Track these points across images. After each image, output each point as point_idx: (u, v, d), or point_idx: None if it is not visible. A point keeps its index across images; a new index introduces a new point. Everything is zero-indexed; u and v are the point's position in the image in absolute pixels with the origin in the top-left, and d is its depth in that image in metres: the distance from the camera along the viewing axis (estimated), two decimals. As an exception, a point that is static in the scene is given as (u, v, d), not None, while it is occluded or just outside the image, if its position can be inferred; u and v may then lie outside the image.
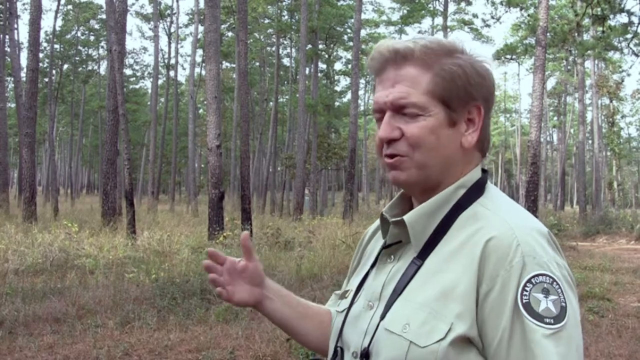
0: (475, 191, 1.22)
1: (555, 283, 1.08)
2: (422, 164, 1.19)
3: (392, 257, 1.26)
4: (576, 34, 26.58)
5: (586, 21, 24.94)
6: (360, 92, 55.07)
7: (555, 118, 58.22)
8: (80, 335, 6.26)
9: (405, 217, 1.21)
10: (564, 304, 1.07)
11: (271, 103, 44.98)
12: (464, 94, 1.19)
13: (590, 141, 44.70)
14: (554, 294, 1.07)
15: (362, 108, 55.90)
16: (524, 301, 1.06)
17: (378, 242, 1.36)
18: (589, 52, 28.45)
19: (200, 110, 52.76)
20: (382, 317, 1.17)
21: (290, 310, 1.47)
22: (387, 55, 1.21)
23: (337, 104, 50.00)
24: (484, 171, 1.26)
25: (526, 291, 1.06)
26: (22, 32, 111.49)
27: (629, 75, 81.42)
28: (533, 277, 1.07)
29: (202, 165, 60.87)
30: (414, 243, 1.21)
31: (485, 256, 1.10)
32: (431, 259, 1.17)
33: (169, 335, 6.33)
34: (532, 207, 16.64)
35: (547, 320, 1.05)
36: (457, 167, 1.22)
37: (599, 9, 23.29)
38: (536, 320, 1.05)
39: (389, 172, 1.23)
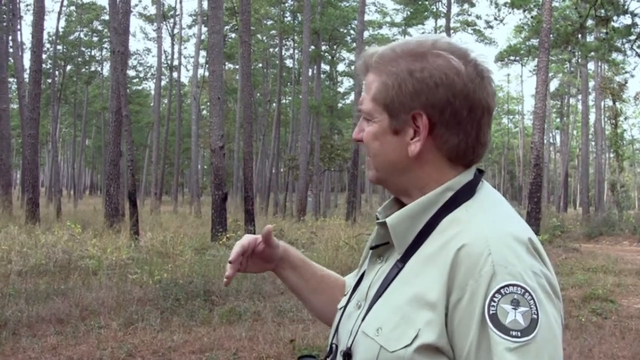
0: (464, 194, 1.18)
1: (527, 294, 1.03)
2: (375, 166, 1.24)
3: (381, 258, 1.25)
4: (579, 36, 26.54)
5: (590, 22, 24.91)
6: (363, 94, 55.11)
7: (558, 120, 58.16)
8: (84, 336, 6.27)
9: (388, 219, 1.20)
10: (535, 316, 1.02)
11: (274, 104, 45.03)
12: (398, 102, 1.18)
13: (593, 143, 44.70)
14: (525, 305, 1.02)
15: (364, 109, 55.93)
16: (491, 312, 1.02)
17: None
18: (592, 53, 28.43)
19: (204, 112, 52.73)
20: (363, 319, 1.17)
21: (302, 283, 1.56)
22: (358, 65, 1.27)
23: (340, 105, 50.11)
24: (480, 172, 1.23)
25: (494, 302, 1.02)
26: (25, 33, 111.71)
27: (632, 76, 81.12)
28: (502, 287, 1.03)
29: (205, 167, 60.95)
30: (396, 245, 1.19)
31: (455, 264, 1.07)
32: (411, 262, 1.15)
33: (173, 336, 6.33)
34: (536, 208, 16.63)
35: (514, 333, 1.01)
36: (417, 174, 1.20)
37: (602, 11, 23.29)
38: (501, 332, 1.01)
39: None
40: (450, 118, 1.16)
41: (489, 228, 1.10)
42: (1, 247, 10.73)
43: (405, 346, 1.06)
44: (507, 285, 1.03)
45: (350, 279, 1.52)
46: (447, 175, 1.19)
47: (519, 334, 1.01)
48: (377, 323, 1.12)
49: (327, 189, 49.45)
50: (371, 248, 1.27)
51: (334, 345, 1.28)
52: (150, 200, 40.58)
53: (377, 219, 1.28)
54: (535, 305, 1.03)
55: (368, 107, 1.22)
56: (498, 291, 1.02)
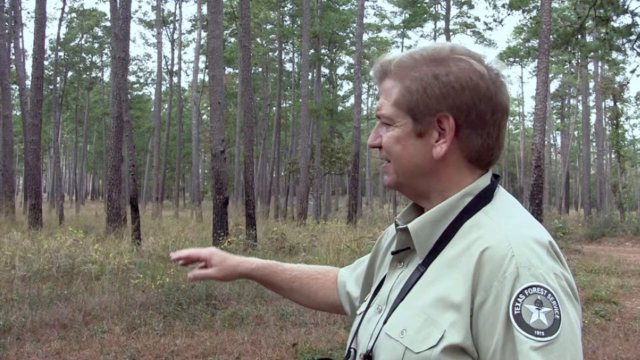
0: (482, 198, 1.22)
1: (549, 295, 1.07)
2: (396, 171, 1.26)
3: (402, 263, 1.28)
4: (579, 36, 26.54)
5: (589, 23, 24.91)
6: (363, 97, 55.19)
7: (559, 121, 58.14)
8: (87, 341, 6.28)
9: (410, 225, 1.23)
10: (557, 316, 1.06)
11: (274, 108, 45.05)
12: (423, 106, 1.20)
13: (594, 144, 44.65)
14: (548, 306, 1.06)
15: (365, 112, 56.05)
16: (515, 313, 1.05)
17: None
18: (592, 54, 28.42)
19: (204, 116, 52.87)
20: (385, 321, 1.20)
21: (275, 287, 1.75)
22: (375, 70, 1.30)
23: (340, 108, 50.12)
24: (496, 177, 1.27)
25: (518, 303, 1.06)
26: (27, 41, 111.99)
27: (638, 75, 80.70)
28: (526, 288, 1.06)
29: (206, 171, 60.98)
30: (418, 250, 1.22)
31: (480, 267, 1.10)
32: (433, 266, 1.19)
33: (175, 340, 6.35)
34: (537, 210, 16.61)
35: (538, 333, 1.04)
36: (440, 177, 1.23)
37: (602, 10, 23.29)
38: (526, 332, 1.04)
39: None
40: (475, 120, 1.20)
41: (511, 231, 1.14)
42: (5, 253, 10.77)
43: (431, 347, 1.09)
44: (531, 287, 1.06)
45: (349, 277, 1.64)
46: (466, 179, 1.23)
47: (543, 333, 1.04)
48: (401, 325, 1.15)
49: (328, 193, 49.45)
50: (392, 253, 1.30)
51: (352, 350, 1.30)
52: (151, 205, 40.61)
53: (397, 225, 1.32)
54: (558, 306, 1.07)
55: (389, 112, 1.24)
56: (522, 292, 1.06)
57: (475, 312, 1.09)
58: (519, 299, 1.06)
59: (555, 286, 1.08)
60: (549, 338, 1.04)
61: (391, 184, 1.29)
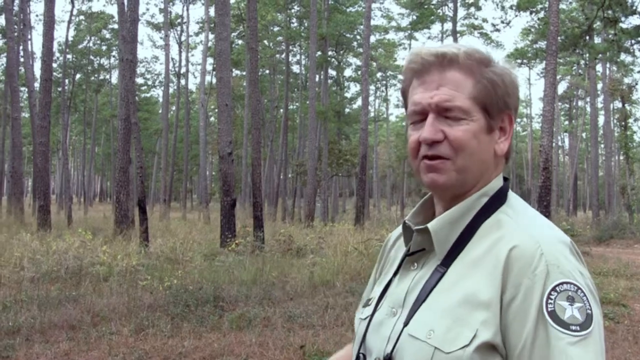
0: (498, 199, 1.24)
1: (580, 291, 1.10)
2: (463, 168, 1.20)
3: (416, 264, 1.27)
4: (587, 38, 26.46)
5: (597, 24, 24.84)
6: (370, 99, 55.12)
7: (567, 122, 57.95)
8: (95, 342, 6.30)
9: (430, 225, 1.23)
10: (589, 312, 1.09)
11: (281, 110, 45.08)
12: (502, 102, 1.23)
13: (602, 145, 44.46)
14: (579, 301, 1.09)
15: (372, 114, 56.01)
16: (549, 309, 1.07)
17: (400, 249, 1.38)
18: (600, 55, 28.32)
19: (212, 118, 52.93)
20: (406, 323, 1.19)
21: None
22: (431, 59, 1.22)
23: (347, 110, 50.06)
24: (505, 179, 1.28)
25: (551, 299, 1.08)
26: (36, 43, 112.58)
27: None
28: (557, 285, 1.09)
29: (214, 173, 61.07)
30: (437, 250, 1.22)
31: (508, 264, 1.12)
32: (455, 266, 1.19)
33: (183, 342, 6.36)
34: (545, 212, 16.56)
35: (573, 328, 1.07)
36: (490, 173, 1.25)
37: (610, 11, 23.21)
38: (562, 327, 1.06)
39: (426, 175, 1.23)
40: (514, 120, 1.27)
41: (537, 231, 1.16)
42: (14, 254, 10.82)
43: (464, 346, 1.10)
44: (562, 283, 1.09)
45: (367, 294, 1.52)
46: (499, 177, 1.27)
47: (578, 328, 1.07)
48: (427, 326, 1.15)
49: (336, 195, 49.42)
50: (407, 255, 1.30)
51: (361, 355, 1.29)
52: (159, 207, 40.69)
53: (405, 225, 1.31)
54: (588, 302, 1.10)
55: (466, 105, 1.20)
56: (554, 289, 1.09)
57: (504, 309, 1.11)
58: (551, 296, 1.08)
59: (582, 283, 1.11)
60: (584, 332, 1.07)
61: (445, 184, 1.21)
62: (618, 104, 35.14)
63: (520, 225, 1.17)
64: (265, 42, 44.06)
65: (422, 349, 1.13)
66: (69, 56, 45.93)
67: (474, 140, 1.20)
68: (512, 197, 1.27)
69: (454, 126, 1.19)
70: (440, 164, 1.20)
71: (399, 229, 1.41)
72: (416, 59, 1.24)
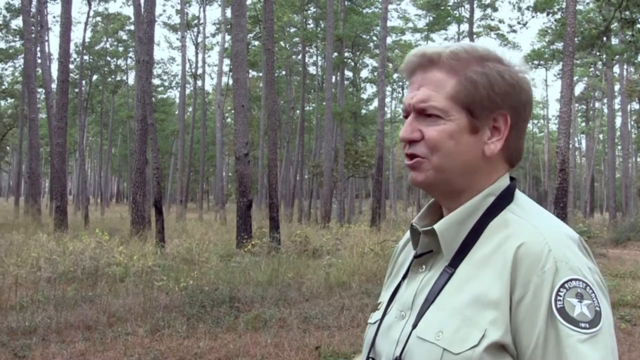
0: (504, 199, 1.22)
1: (588, 287, 1.08)
2: (440, 167, 1.19)
3: (424, 266, 1.26)
4: (604, 39, 26.23)
5: (615, 25, 24.62)
6: (387, 100, 55.03)
7: (584, 124, 57.54)
8: (111, 343, 6.34)
9: (436, 226, 1.22)
10: (598, 308, 1.08)
11: (298, 111, 45.13)
12: (488, 102, 1.19)
13: (619, 147, 44.10)
14: (588, 298, 1.08)
15: (388, 115, 55.87)
16: (558, 306, 1.06)
17: (409, 253, 1.36)
18: (617, 56, 28.09)
19: (228, 119, 53.07)
20: (415, 325, 1.18)
21: None
22: (415, 60, 1.23)
23: (363, 111, 50.06)
24: (512, 179, 1.26)
25: (560, 296, 1.07)
26: (53, 44, 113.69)
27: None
28: (566, 282, 1.08)
29: (230, 174, 61.26)
30: (444, 251, 1.21)
31: (516, 262, 1.11)
32: (463, 267, 1.18)
33: (199, 343, 6.37)
34: (562, 214, 16.44)
35: (582, 325, 1.05)
36: (480, 175, 1.22)
37: (627, 12, 23.00)
38: (571, 325, 1.05)
39: (409, 173, 1.25)
40: (520, 121, 1.23)
41: (543, 227, 1.15)
42: (31, 255, 10.90)
43: (473, 347, 1.08)
44: (570, 280, 1.08)
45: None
46: (500, 178, 1.24)
47: (587, 325, 1.06)
48: (435, 327, 1.14)
49: (352, 196, 49.38)
50: (415, 257, 1.28)
51: (371, 359, 1.29)
52: (175, 208, 40.88)
53: (413, 228, 1.30)
54: (597, 298, 1.09)
55: (442, 105, 1.18)
56: (562, 285, 1.07)
57: (513, 308, 1.09)
58: (560, 293, 1.07)
59: (591, 279, 1.10)
60: (593, 330, 1.06)
61: (424, 182, 1.22)
62: (635, 106, 34.86)
63: (528, 223, 1.16)
64: (282, 43, 44.16)
65: (431, 350, 1.12)
66: (86, 57, 46.29)
67: (450, 141, 1.18)
68: (519, 196, 1.25)
69: (431, 126, 1.19)
70: (417, 162, 1.21)
71: (407, 235, 1.40)
72: (406, 60, 1.25)
